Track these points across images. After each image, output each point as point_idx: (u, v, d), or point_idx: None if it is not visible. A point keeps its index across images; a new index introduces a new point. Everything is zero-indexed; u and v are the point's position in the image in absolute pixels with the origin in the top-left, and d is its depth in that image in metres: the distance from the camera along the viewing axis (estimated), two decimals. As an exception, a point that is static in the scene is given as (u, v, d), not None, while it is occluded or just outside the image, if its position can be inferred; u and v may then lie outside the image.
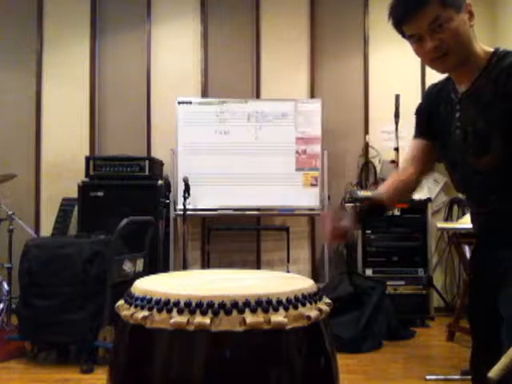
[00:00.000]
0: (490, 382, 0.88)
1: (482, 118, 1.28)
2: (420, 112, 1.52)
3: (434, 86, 1.48)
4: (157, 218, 3.86)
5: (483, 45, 1.32)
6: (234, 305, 1.04)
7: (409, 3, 1.27)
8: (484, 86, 1.28)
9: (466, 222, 3.35)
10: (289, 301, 1.09)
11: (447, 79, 1.42)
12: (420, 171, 1.50)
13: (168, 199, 4.25)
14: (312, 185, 4.34)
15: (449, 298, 4.51)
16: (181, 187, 3.91)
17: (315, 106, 4.38)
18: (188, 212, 3.82)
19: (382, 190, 1.50)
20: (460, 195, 4.33)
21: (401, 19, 1.29)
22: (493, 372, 0.89)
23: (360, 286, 3.62)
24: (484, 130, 1.27)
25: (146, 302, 1.09)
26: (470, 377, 1.43)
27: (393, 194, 1.48)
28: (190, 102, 4.36)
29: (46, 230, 4.46)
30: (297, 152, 4.34)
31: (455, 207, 4.52)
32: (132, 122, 4.66)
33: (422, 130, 1.50)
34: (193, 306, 1.05)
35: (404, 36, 1.33)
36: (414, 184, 1.52)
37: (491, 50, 1.31)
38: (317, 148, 4.34)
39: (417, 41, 1.29)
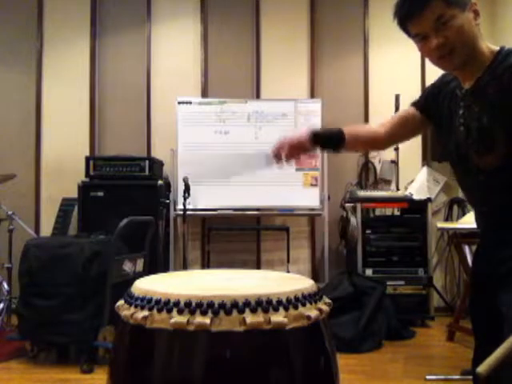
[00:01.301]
0: (479, 377, 0.87)
1: (485, 115, 1.28)
2: (427, 90, 1.52)
3: (446, 75, 1.46)
4: (157, 218, 3.85)
5: (490, 44, 1.33)
6: (234, 305, 1.04)
7: (414, 2, 1.28)
8: (488, 84, 1.28)
9: (466, 222, 3.36)
10: (289, 301, 1.09)
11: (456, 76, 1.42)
12: (392, 134, 1.52)
13: (168, 199, 4.25)
14: (312, 185, 4.34)
15: (449, 298, 4.51)
16: (181, 187, 3.91)
17: (315, 105, 4.38)
18: (188, 212, 3.82)
19: (349, 129, 1.50)
20: (460, 195, 4.35)
21: (406, 18, 1.30)
22: (482, 367, 0.88)
23: (360, 285, 3.61)
24: (488, 128, 1.27)
25: (146, 302, 1.09)
26: (470, 377, 1.43)
27: (356, 134, 1.50)
28: (190, 102, 4.36)
29: (46, 230, 4.46)
30: (297, 152, 4.33)
31: (455, 207, 4.52)
32: (132, 122, 4.66)
33: (420, 103, 1.52)
34: (193, 306, 1.05)
35: (409, 35, 1.34)
36: (380, 140, 1.54)
37: (497, 48, 1.31)
38: (317, 148, 4.33)
39: (422, 39, 1.30)
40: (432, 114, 1.47)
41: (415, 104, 1.53)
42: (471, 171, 1.33)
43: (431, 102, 1.48)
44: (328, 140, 1.50)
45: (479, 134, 1.29)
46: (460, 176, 1.42)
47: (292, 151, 1.44)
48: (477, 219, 1.43)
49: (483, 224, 1.41)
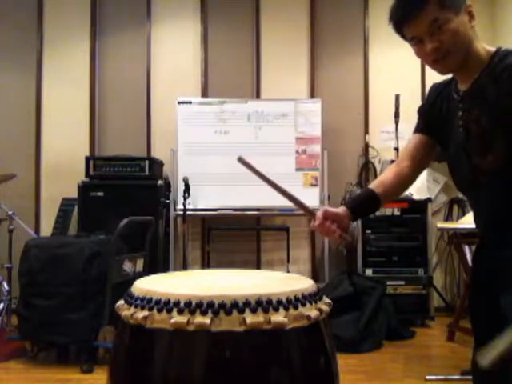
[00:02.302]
0: (480, 369, 0.85)
1: (484, 116, 1.27)
2: (421, 111, 1.53)
3: (436, 86, 1.49)
4: (157, 218, 3.86)
5: (486, 45, 1.33)
6: (234, 305, 1.04)
7: (408, 6, 1.28)
8: (486, 85, 1.28)
9: (466, 222, 3.36)
10: (289, 301, 1.09)
11: (450, 79, 1.42)
12: (416, 167, 1.50)
13: (168, 199, 4.25)
14: (312, 185, 4.34)
15: (449, 298, 4.51)
16: (181, 187, 3.91)
17: (315, 105, 4.38)
18: (188, 212, 3.82)
19: (377, 185, 1.48)
20: (460, 195, 4.35)
21: (400, 22, 1.31)
22: (485, 359, 0.85)
23: (360, 285, 3.62)
24: (487, 129, 1.27)
25: (146, 302, 1.09)
26: (470, 377, 1.43)
27: (388, 190, 1.48)
28: (190, 102, 4.36)
29: (46, 230, 4.46)
30: (297, 152, 4.34)
31: (455, 207, 4.52)
32: (132, 122, 4.66)
33: (421, 127, 1.51)
34: (193, 306, 1.04)
35: (405, 39, 1.34)
36: (409, 180, 1.52)
37: (493, 49, 1.31)
38: (317, 148, 4.34)
39: (417, 43, 1.30)
40: (435, 130, 1.46)
41: (417, 130, 1.52)
42: (472, 173, 1.33)
43: (427, 120, 1.48)
44: (367, 211, 1.50)
45: (479, 136, 1.29)
46: (460, 178, 1.42)
47: (330, 228, 1.41)
48: (475, 220, 1.43)
49: (483, 224, 1.41)
